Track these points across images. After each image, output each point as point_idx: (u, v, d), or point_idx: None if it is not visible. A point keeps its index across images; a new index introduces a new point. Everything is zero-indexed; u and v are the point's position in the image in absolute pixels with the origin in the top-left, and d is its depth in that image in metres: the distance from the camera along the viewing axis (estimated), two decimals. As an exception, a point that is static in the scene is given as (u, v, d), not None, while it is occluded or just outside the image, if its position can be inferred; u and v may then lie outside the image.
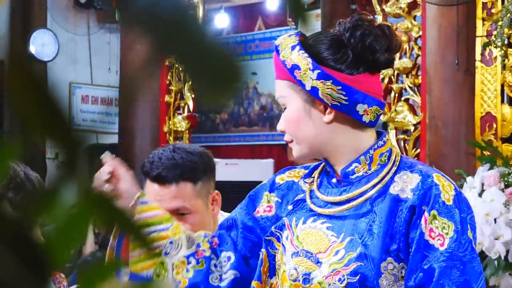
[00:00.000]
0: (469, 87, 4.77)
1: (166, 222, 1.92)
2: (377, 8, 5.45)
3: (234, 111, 11.87)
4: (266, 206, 1.96)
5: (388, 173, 1.83)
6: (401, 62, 5.33)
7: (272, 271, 1.90)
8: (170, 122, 6.77)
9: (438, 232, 1.73)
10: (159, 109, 6.79)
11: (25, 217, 0.37)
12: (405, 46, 5.36)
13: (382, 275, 1.75)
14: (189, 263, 1.91)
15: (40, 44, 10.22)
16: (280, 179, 1.99)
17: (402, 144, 5.31)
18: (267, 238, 1.92)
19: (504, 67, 4.58)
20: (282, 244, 1.89)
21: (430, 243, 1.74)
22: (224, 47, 0.37)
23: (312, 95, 1.81)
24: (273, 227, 1.92)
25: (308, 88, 1.80)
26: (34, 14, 10.08)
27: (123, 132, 6.87)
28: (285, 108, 1.87)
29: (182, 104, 6.85)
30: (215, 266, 1.94)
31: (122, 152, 6.65)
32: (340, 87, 1.79)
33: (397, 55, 5.30)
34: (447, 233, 1.74)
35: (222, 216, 2.28)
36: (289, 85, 1.84)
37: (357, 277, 1.76)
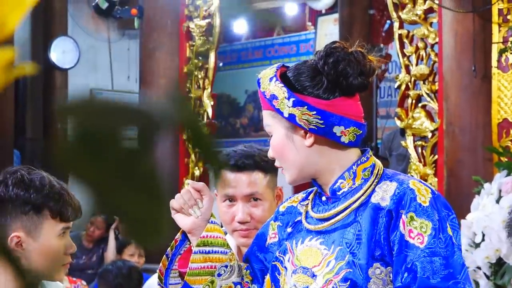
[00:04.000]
0: (485, 94, 4.78)
1: (226, 247, 2.08)
2: (394, 14, 5.47)
3: (254, 116, 11.92)
4: (271, 233, 2.12)
5: (371, 185, 1.94)
6: (418, 69, 5.34)
7: None
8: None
9: (417, 231, 1.83)
10: (178, 117, 6.84)
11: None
12: (422, 52, 5.37)
13: (371, 280, 1.85)
14: None
15: (61, 52, 10.32)
16: (282, 207, 2.14)
17: (419, 151, 5.32)
18: (273, 263, 2.06)
19: (520, 73, 4.59)
20: (285, 267, 2.02)
21: (411, 243, 1.83)
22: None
23: (291, 122, 1.93)
24: (277, 252, 2.06)
25: (286, 115, 1.92)
26: (55, 21, 10.18)
27: (142, 138, 6.93)
28: (271, 136, 1.99)
29: (202, 111, 6.89)
30: None
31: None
32: (315, 112, 1.90)
33: (414, 61, 5.33)
34: (425, 232, 1.83)
35: None
36: (272, 115, 1.97)
37: (347, 284, 1.86)
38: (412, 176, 2.07)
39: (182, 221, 2.09)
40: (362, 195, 1.94)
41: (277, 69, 1.98)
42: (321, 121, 1.91)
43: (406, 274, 1.82)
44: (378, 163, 2.01)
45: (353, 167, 1.96)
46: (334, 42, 1.99)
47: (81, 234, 7.38)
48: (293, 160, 1.96)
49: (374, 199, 1.92)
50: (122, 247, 6.33)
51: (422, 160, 5.29)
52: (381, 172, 1.98)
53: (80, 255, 7.03)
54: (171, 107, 0.41)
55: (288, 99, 1.92)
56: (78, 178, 0.36)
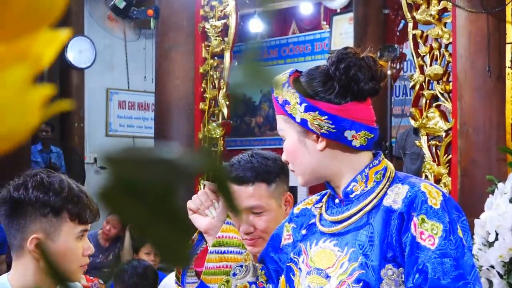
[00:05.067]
0: (499, 94, 4.80)
1: (241, 248, 2.14)
2: (408, 15, 5.49)
3: (269, 114, 11.95)
4: (286, 235, 2.17)
5: (383, 188, 1.98)
6: (432, 69, 5.36)
7: None
8: (205, 129, 6.86)
9: (428, 233, 1.86)
10: (194, 116, 6.88)
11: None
12: (436, 52, 5.39)
13: (383, 281, 1.89)
14: None
15: (78, 51, 10.39)
16: (297, 209, 2.18)
17: (434, 150, 5.34)
18: (288, 264, 2.10)
19: (534, 73, 4.60)
20: (299, 268, 2.06)
21: (422, 244, 1.86)
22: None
23: (303, 127, 1.97)
24: (291, 254, 2.11)
25: (298, 120, 1.97)
26: (71, 21, 10.24)
27: (159, 138, 6.98)
28: (285, 140, 2.04)
29: (217, 111, 6.94)
30: None
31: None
32: (326, 117, 1.95)
33: (428, 61, 5.35)
34: (436, 234, 1.86)
35: None
36: (285, 119, 2.01)
37: (360, 284, 1.90)
38: (424, 178, 2.10)
39: (198, 221, 2.15)
40: (375, 198, 1.97)
41: (290, 75, 2.02)
42: (333, 126, 1.95)
43: (417, 275, 1.86)
44: (390, 166, 2.05)
45: (365, 170, 2.00)
46: (346, 48, 2.02)
47: (98, 233, 7.44)
48: (306, 164, 2.00)
49: (386, 202, 1.95)
50: (139, 246, 6.38)
51: (436, 159, 5.31)
52: (393, 175, 2.01)
53: (97, 254, 7.09)
54: (198, 159, 0.46)
55: (300, 104, 1.96)
56: (121, 218, 0.44)
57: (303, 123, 1.97)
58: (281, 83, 2.01)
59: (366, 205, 1.97)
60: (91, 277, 4.39)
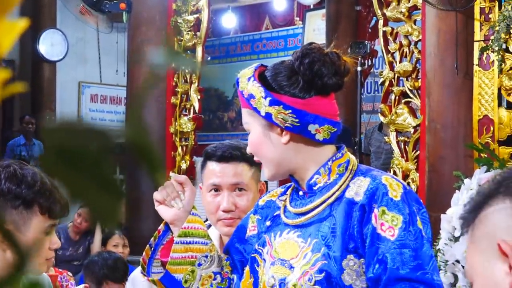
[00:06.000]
0: (467, 91, 4.86)
1: (206, 238, 2.18)
2: (378, 12, 5.54)
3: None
4: (251, 226, 2.21)
5: (345, 181, 2.02)
6: (402, 66, 5.42)
7: (256, 286, 2.09)
8: (176, 123, 6.87)
9: (389, 225, 1.91)
10: (165, 110, 6.89)
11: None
12: (406, 49, 5.45)
13: (345, 271, 1.93)
14: (214, 279, 2.18)
15: (50, 44, 10.35)
16: (262, 201, 2.22)
17: (402, 146, 5.40)
18: (252, 255, 2.14)
19: (501, 71, 4.66)
20: (263, 259, 2.10)
21: (382, 235, 1.91)
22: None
23: (267, 120, 2.00)
24: (256, 245, 2.15)
25: (263, 114, 2.00)
26: (43, 14, 10.20)
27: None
28: (250, 133, 2.08)
29: (188, 106, 6.95)
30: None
31: (129, 151, 6.75)
32: (290, 111, 1.98)
33: (398, 58, 5.41)
34: (396, 225, 1.90)
35: None
36: (250, 113, 2.04)
37: (322, 275, 1.94)
38: (392, 174, 2.15)
39: (164, 212, 2.18)
40: (337, 190, 2.01)
41: (255, 69, 2.05)
42: (296, 120, 1.98)
43: (377, 266, 1.90)
44: (353, 159, 2.09)
45: (328, 163, 2.04)
46: (310, 43, 2.06)
47: (68, 226, 7.42)
48: (271, 157, 2.04)
49: (348, 194, 1.99)
50: (106, 238, 6.38)
51: (405, 155, 5.37)
52: (355, 168, 2.05)
53: (67, 247, 7.08)
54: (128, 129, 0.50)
55: (265, 98, 1.99)
56: (59, 180, 0.47)
57: (268, 116, 2.00)
58: (246, 77, 2.04)
59: (329, 197, 2.01)
60: (60, 270, 4.39)
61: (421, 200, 2.01)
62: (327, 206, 2.01)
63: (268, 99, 1.99)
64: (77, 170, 0.48)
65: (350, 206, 1.97)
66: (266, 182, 2.73)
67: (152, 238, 2.23)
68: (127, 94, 7.43)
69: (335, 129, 2.03)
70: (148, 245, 2.22)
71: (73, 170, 0.47)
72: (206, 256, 2.16)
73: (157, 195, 2.18)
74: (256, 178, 2.61)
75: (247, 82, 2.03)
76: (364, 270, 1.94)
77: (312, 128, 1.99)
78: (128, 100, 7.52)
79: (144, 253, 2.21)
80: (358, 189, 1.99)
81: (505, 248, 1.26)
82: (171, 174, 2.22)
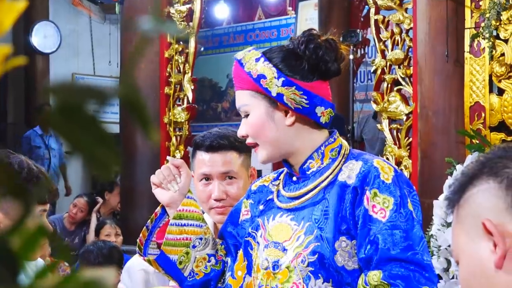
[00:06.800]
0: (458, 78, 4.89)
1: (201, 221, 2.22)
2: (370, 1, 5.56)
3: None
4: (244, 210, 2.26)
5: (338, 165, 2.06)
6: (394, 54, 5.45)
7: (250, 269, 2.12)
8: (170, 113, 6.90)
9: (380, 206, 1.95)
10: (159, 100, 6.91)
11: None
12: (397, 37, 5.48)
13: (337, 253, 1.98)
14: (209, 261, 2.23)
15: (42, 36, 10.34)
16: (254, 186, 2.27)
17: (395, 133, 5.44)
18: (246, 238, 2.19)
19: (492, 58, 4.69)
20: (257, 242, 2.15)
21: (374, 217, 1.95)
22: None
23: (277, 101, 2.03)
24: (249, 228, 2.19)
25: (274, 94, 2.03)
26: (36, 6, 10.18)
27: (124, 123, 7.00)
28: (246, 115, 2.08)
29: (182, 96, 6.97)
30: (227, 271, 2.25)
31: (124, 142, 6.78)
32: (302, 92, 2.02)
33: (389, 46, 5.44)
34: (387, 207, 1.95)
35: None
36: (252, 94, 2.06)
37: (315, 256, 1.99)
38: (378, 156, 2.19)
39: (161, 195, 2.23)
40: (330, 174, 2.06)
41: (257, 51, 2.09)
42: (307, 101, 2.02)
43: (368, 246, 1.94)
44: (345, 143, 2.13)
45: (321, 147, 2.08)
46: (310, 30, 2.10)
47: (64, 216, 7.45)
48: (272, 138, 2.06)
49: (341, 177, 2.03)
50: (98, 228, 6.41)
51: (397, 142, 5.41)
52: (347, 152, 2.10)
53: (63, 237, 7.10)
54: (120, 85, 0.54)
55: (277, 78, 2.02)
56: (59, 135, 0.50)
57: (279, 97, 2.03)
58: (254, 57, 2.06)
59: (322, 181, 2.05)
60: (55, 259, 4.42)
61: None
62: (321, 190, 2.05)
63: (282, 79, 2.02)
64: (76, 125, 0.51)
65: (343, 189, 2.01)
66: (260, 171, 2.77)
67: (149, 221, 2.28)
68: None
69: (333, 113, 2.08)
70: (145, 227, 2.27)
71: (73, 125, 0.51)
72: (201, 239, 2.20)
73: (154, 178, 2.23)
74: (246, 165, 2.64)
75: (256, 63, 2.05)
76: (355, 251, 1.98)
77: (319, 110, 2.04)
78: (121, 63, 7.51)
79: (141, 234, 2.26)
80: (350, 172, 2.03)
81: (489, 227, 1.30)
82: (168, 158, 2.27)
